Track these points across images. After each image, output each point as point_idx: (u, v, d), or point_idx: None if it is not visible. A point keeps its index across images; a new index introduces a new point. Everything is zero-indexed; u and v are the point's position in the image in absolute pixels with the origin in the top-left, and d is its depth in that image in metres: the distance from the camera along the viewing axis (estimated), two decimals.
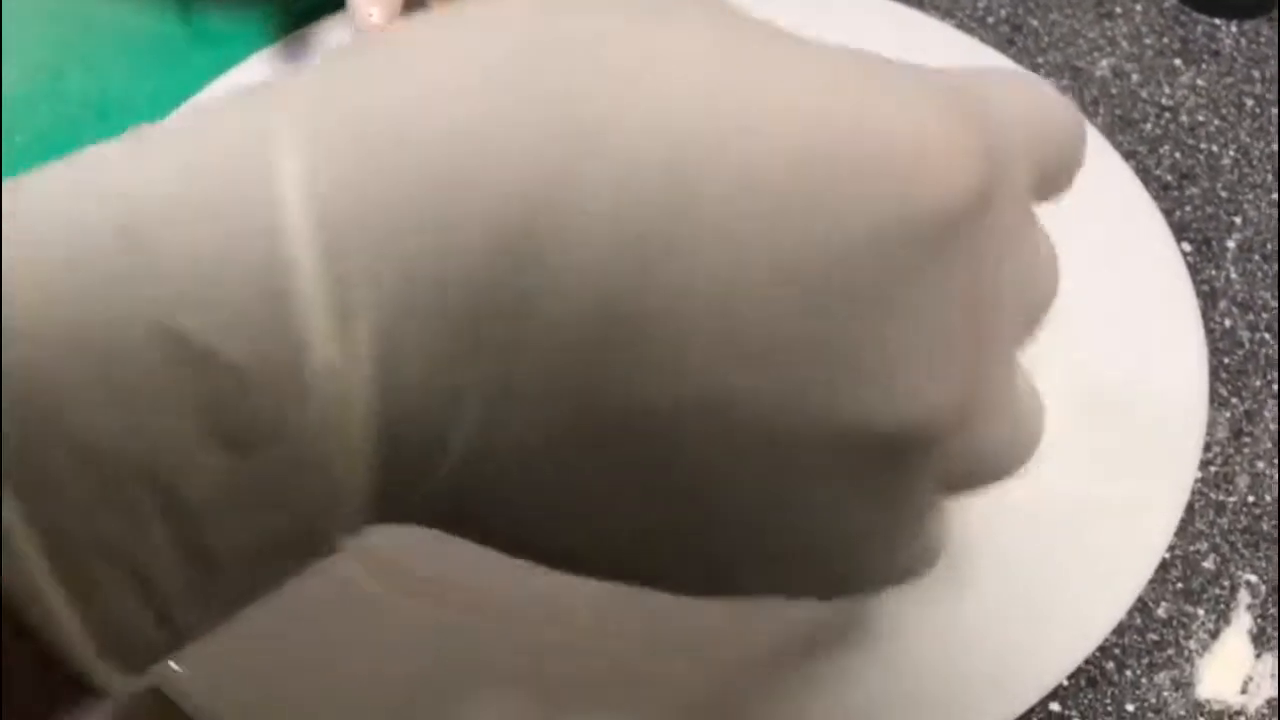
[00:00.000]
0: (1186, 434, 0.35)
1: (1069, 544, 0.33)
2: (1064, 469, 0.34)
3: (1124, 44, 0.52)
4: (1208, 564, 0.37)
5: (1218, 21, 0.52)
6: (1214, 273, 0.44)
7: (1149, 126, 0.48)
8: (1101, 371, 0.37)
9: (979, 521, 0.33)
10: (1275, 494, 0.38)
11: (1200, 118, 0.48)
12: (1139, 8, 0.53)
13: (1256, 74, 0.50)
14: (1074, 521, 0.33)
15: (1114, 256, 0.39)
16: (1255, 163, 0.46)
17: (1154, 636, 0.35)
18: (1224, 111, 0.49)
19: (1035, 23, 0.52)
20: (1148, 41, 0.52)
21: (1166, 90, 0.49)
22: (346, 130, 0.17)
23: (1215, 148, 0.47)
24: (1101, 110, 0.49)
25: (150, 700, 0.31)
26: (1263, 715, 0.34)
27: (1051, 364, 0.37)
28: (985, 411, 0.21)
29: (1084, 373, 0.37)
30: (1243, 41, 0.51)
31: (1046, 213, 0.39)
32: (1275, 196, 0.44)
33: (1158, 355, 0.37)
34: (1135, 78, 0.50)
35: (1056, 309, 0.38)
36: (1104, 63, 0.51)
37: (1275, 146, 0.47)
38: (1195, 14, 0.53)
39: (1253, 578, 0.36)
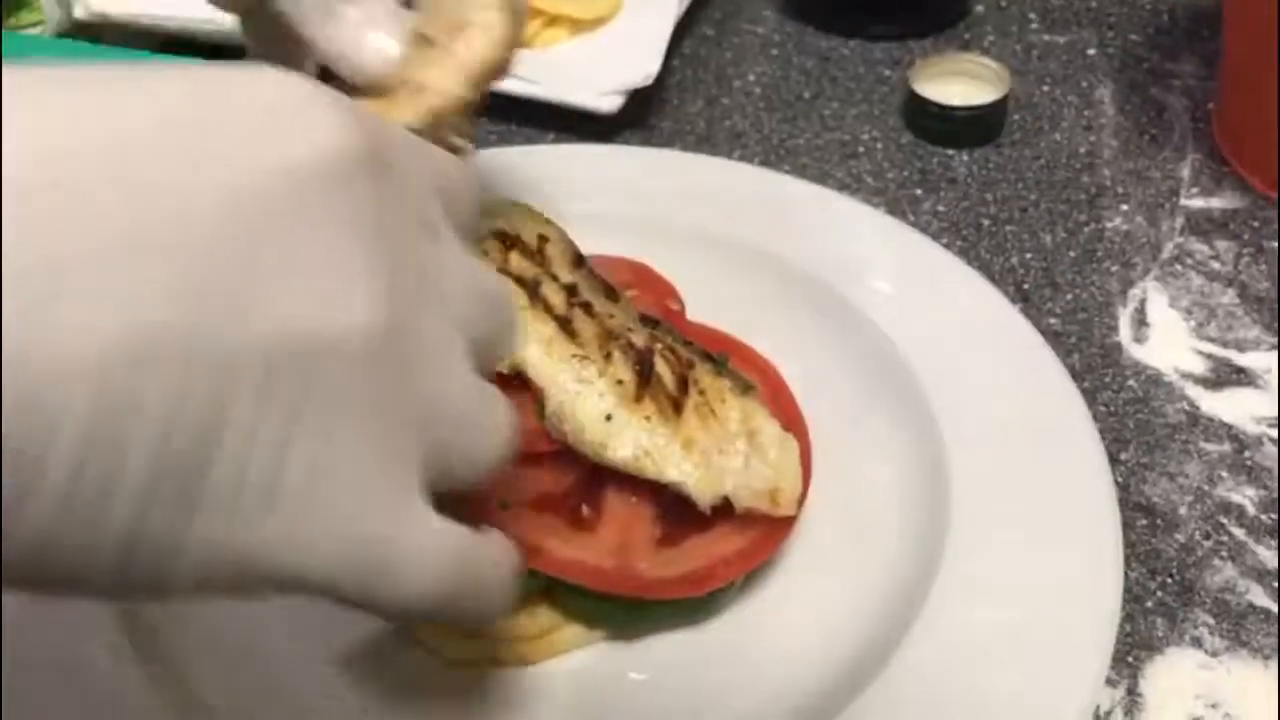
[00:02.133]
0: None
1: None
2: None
3: (869, 180, 0.55)
4: None
5: (950, 152, 0.57)
6: None
7: None
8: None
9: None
10: None
11: (944, 241, 0.52)
12: (879, 146, 0.57)
13: (989, 196, 0.54)
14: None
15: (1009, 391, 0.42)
16: (996, 278, 0.50)
17: None
18: (965, 232, 0.53)
19: (787, 168, 0.56)
20: (890, 176, 0.56)
21: (911, 218, 0.53)
22: None
23: None
24: None
25: None
26: None
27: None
28: (420, 359, 0.24)
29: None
30: (974, 168, 0.56)
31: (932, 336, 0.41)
32: (1019, 308, 0.47)
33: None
34: (883, 210, 0.53)
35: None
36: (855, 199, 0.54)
37: (1014, 261, 0.51)
38: (930, 147, 0.57)
39: None
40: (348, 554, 0.23)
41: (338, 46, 0.35)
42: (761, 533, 0.37)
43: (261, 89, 0.23)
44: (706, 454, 0.36)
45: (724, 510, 0.36)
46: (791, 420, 0.40)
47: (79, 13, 0.61)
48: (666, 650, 0.37)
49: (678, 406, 0.36)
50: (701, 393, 0.37)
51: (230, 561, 0.22)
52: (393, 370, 0.23)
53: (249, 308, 0.21)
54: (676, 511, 0.36)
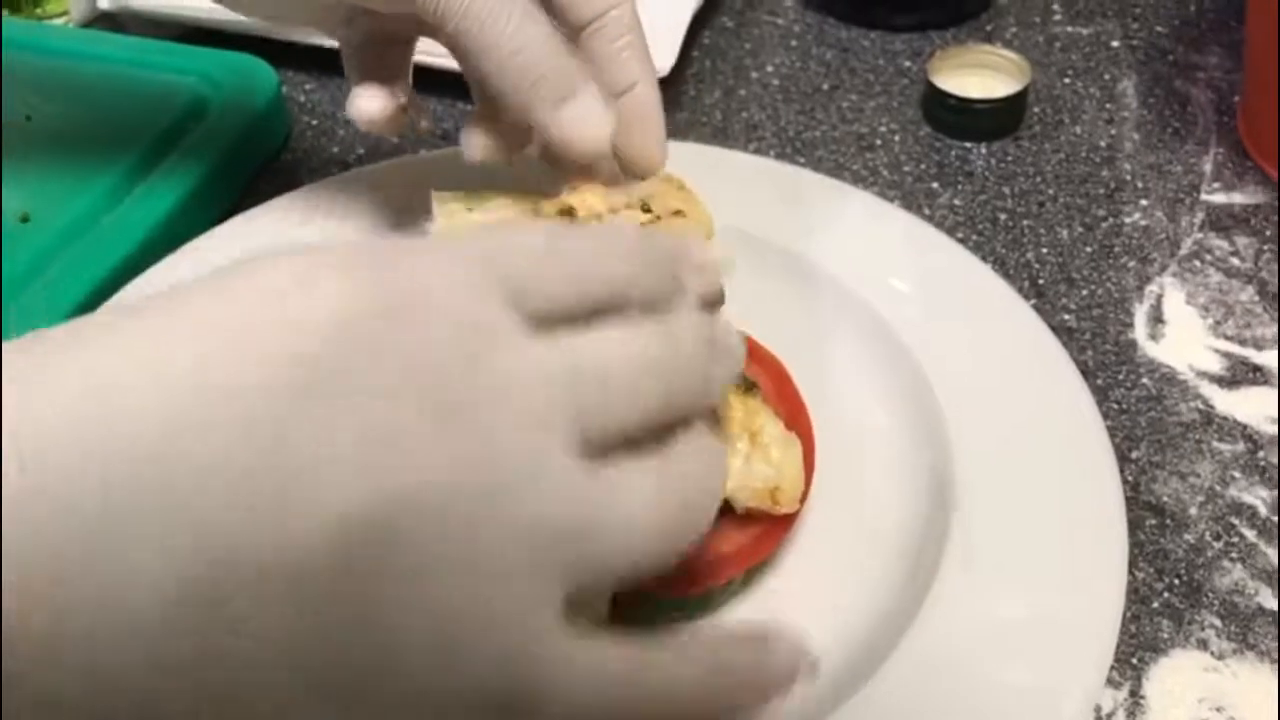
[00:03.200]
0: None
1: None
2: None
3: (885, 173, 0.55)
4: None
5: (968, 145, 0.56)
6: None
7: None
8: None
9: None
10: None
11: (959, 235, 0.51)
12: (897, 139, 0.57)
13: (1007, 190, 0.54)
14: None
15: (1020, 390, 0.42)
16: (1011, 273, 0.50)
17: None
18: (980, 226, 0.52)
19: (803, 160, 0.55)
20: (907, 169, 0.55)
21: (926, 211, 0.53)
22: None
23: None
24: None
25: None
26: None
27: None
28: (506, 483, 0.23)
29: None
30: (992, 161, 0.55)
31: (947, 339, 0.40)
32: (1033, 303, 0.47)
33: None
34: (898, 203, 0.53)
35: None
36: (870, 192, 0.54)
37: (1030, 255, 0.51)
38: (948, 140, 0.57)
39: None
40: (502, 694, 0.23)
41: (566, 132, 0.37)
42: (763, 530, 0.37)
43: (262, 278, 0.23)
44: None
45: (724, 508, 0.36)
46: (795, 415, 0.40)
47: (103, 3, 0.61)
48: None
49: None
50: None
51: None
52: (478, 507, 0.22)
53: (305, 502, 0.21)
54: None
